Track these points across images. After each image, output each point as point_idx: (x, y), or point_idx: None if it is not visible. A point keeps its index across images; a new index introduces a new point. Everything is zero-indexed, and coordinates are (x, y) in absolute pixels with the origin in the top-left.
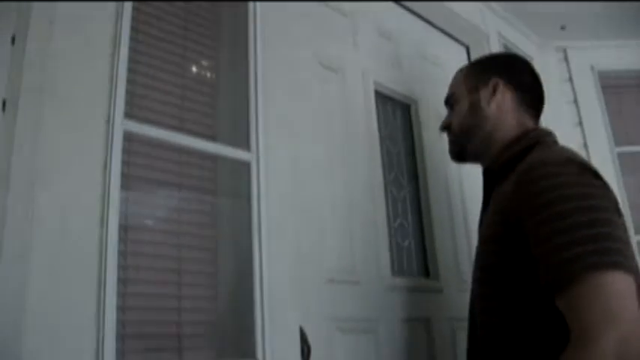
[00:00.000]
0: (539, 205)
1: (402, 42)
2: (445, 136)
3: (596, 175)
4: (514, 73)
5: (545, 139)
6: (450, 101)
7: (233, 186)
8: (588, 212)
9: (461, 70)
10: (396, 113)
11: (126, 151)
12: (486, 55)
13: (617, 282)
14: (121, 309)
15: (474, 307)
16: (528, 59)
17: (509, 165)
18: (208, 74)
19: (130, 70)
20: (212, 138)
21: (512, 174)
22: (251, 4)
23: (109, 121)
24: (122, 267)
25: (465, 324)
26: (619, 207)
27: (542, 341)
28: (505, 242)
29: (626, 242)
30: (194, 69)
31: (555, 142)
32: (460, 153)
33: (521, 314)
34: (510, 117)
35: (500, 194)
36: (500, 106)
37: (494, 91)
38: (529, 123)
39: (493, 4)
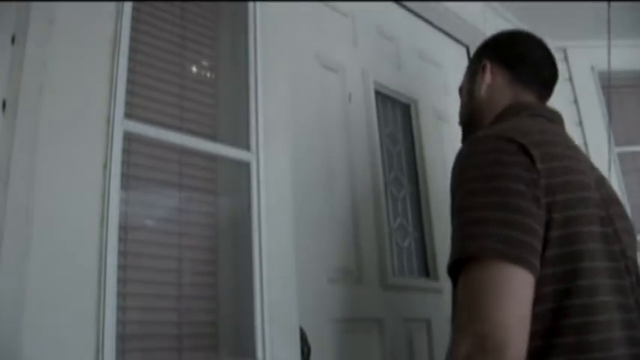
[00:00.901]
0: (453, 186)
1: (401, 42)
2: (445, 136)
3: (525, 150)
4: (502, 49)
5: (523, 113)
6: (460, 95)
7: (233, 186)
8: (476, 195)
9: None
10: (396, 113)
11: (126, 151)
12: (484, 41)
13: (486, 274)
14: (121, 309)
15: None
16: None
17: None
18: (208, 74)
19: (130, 70)
20: (212, 138)
21: None
22: (251, 4)
23: (109, 121)
24: (122, 267)
25: None
26: (555, 190)
27: None
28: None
29: (528, 229)
30: (194, 69)
31: (533, 115)
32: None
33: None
34: (503, 96)
35: None
36: (491, 87)
37: (483, 73)
38: (527, 98)
39: (493, 3)
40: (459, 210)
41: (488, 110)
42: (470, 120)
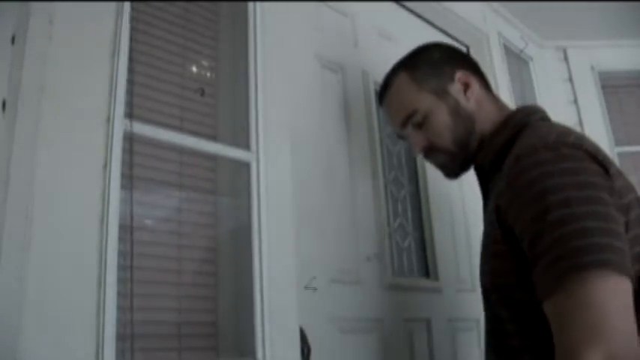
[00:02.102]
0: (523, 203)
1: (402, 42)
2: None
3: (591, 154)
4: (464, 58)
5: (532, 118)
6: (414, 120)
7: (233, 186)
8: (571, 206)
9: (394, 88)
10: None
11: (126, 151)
12: (413, 54)
13: (604, 287)
14: (121, 309)
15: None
16: (528, 59)
17: (502, 154)
18: (208, 74)
19: (130, 70)
20: (212, 138)
21: (504, 164)
22: (251, 4)
23: (109, 121)
24: (122, 267)
25: (464, 324)
26: (623, 192)
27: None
28: (503, 243)
29: (622, 237)
30: (194, 69)
31: (543, 118)
32: (463, 168)
33: (522, 319)
34: (488, 103)
35: (495, 188)
36: (478, 98)
37: (467, 84)
38: (500, 101)
39: (493, 4)
40: (554, 222)
41: (481, 120)
42: (466, 138)
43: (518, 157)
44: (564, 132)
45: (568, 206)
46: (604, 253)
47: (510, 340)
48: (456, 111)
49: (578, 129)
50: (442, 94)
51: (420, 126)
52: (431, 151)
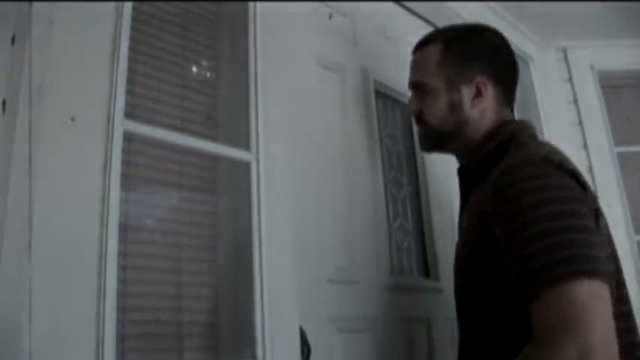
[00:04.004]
0: (512, 211)
1: (401, 42)
2: None
3: (573, 174)
4: (498, 63)
5: (520, 133)
6: (419, 87)
7: (233, 186)
8: (560, 219)
9: (427, 50)
10: (396, 112)
11: (126, 151)
12: (462, 33)
13: (584, 291)
14: (121, 309)
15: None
16: (528, 59)
17: (485, 164)
18: (208, 74)
19: (130, 70)
20: (212, 138)
21: (489, 175)
22: (251, 4)
23: (109, 121)
24: (122, 267)
25: None
26: (598, 208)
27: (514, 344)
28: (481, 249)
29: (602, 247)
30: (194, 69)
31: (531, 135)
32: (433, 148)
33: (496, 319)
34: (491, 115)
35: (477, 196)
36: (485, 108)
37: (480, 93)
38: (505, 114)
39: (493, 4)
40: (540, 232)
41: (476, 128)
42: (450, 133)
43: (507, 170)
44: (551, 151)
45: (555, 219)
46: (587, 264)
47: (493, 342)
48: (455, 108)
49: (578, 129)
50: (453, 88)
51: (421, 94)
52: (419, 121)
